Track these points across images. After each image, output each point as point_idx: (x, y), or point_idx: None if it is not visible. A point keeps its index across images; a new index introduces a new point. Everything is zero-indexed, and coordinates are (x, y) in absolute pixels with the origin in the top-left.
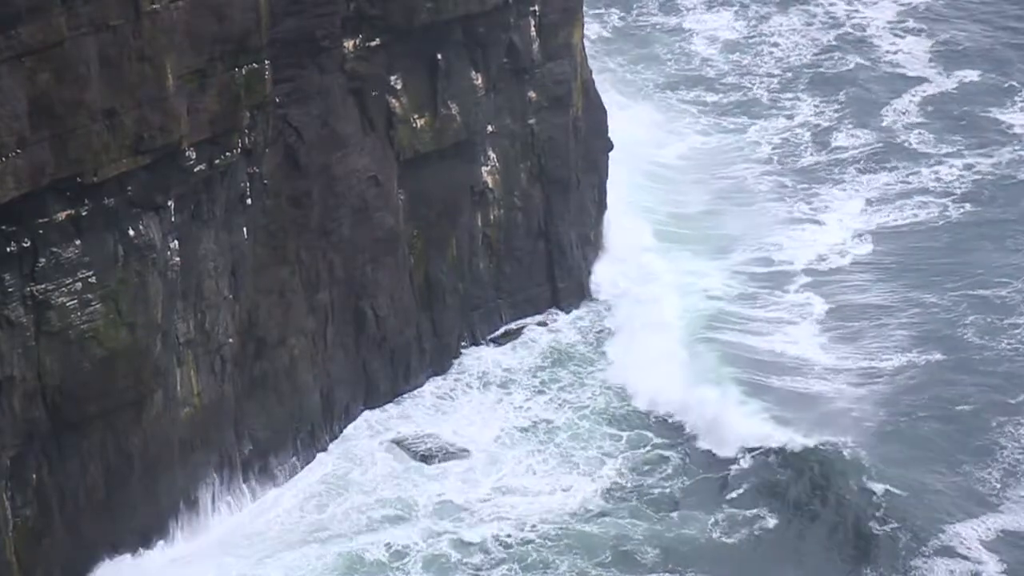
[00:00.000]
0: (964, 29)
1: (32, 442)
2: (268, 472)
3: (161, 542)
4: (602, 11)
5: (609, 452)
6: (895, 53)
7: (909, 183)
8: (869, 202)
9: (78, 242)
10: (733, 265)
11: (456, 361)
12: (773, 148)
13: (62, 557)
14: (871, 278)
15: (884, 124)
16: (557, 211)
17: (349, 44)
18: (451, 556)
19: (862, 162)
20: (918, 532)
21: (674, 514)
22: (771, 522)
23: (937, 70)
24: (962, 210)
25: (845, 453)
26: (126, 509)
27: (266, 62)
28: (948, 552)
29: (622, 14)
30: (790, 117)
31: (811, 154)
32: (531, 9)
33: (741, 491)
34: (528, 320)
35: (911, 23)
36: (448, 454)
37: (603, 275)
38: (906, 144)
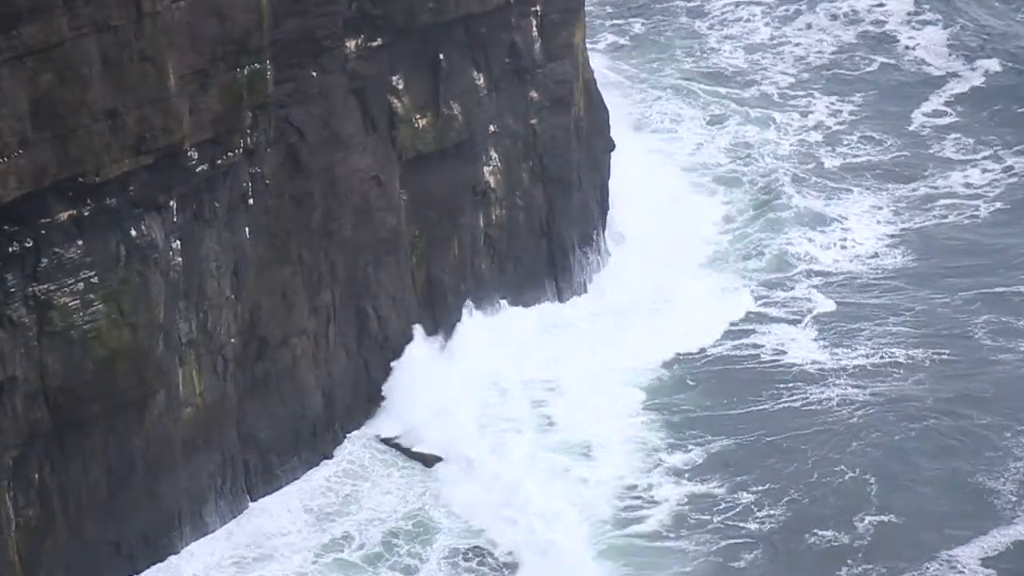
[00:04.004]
0: (976, 15)
1: (34, 442)
2: (271, 473)
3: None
4: (622, 22)
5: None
6: (914, 49)
7: (936, 186)
8: (895, 203)
9: (80, 242)
10: (746, 267)
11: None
12: (793, 148)
13: (65, 557)
14: (888, 280)
15: (910, 123)
16: (559, 211)
17: (351, 44)
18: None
19: (887, 163)
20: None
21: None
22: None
23: (960, 62)
24: (992, 209)
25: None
26: (128, 509)
27: (268, 62)
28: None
29: (645, 21)
30: (807, 115)
31: (834, 154)
32: (533, 9)
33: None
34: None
35: (927, 14)
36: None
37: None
38: (934, 142)
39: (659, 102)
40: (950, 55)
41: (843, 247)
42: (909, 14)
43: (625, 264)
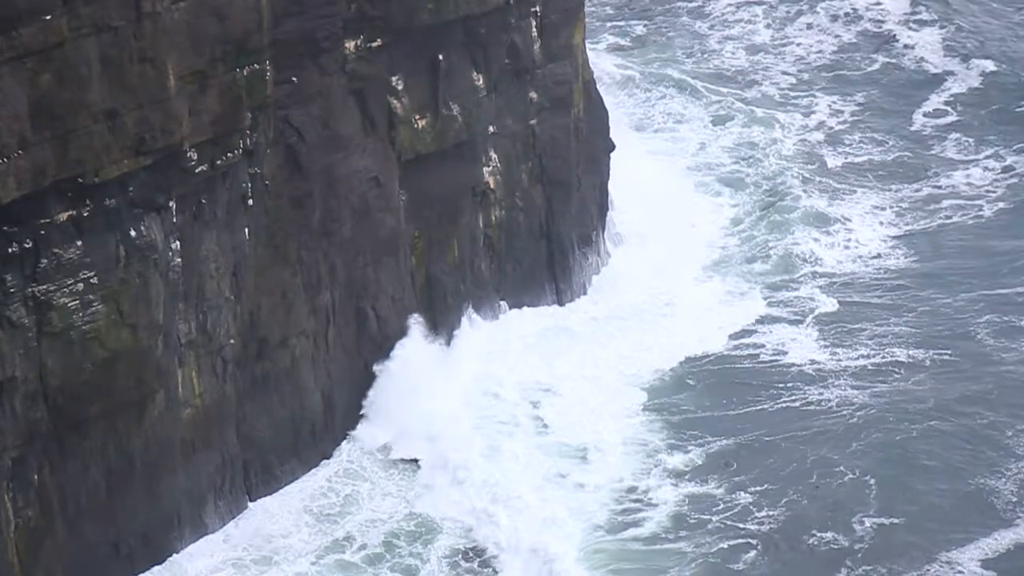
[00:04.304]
0: (973, 14)
1: (34, 443)
2: (270, 474)
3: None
4: (623, 23)
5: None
6: (913, 48)
7: (939, 186)
8: (898, 203)
9: (79, 243)
10: (750, 268)
11: None
12: (796, 148)
13: (64, 558)
14: (891, 280)
15: (912, 123)
16: (558, 212)
17: (350, 45)
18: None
19: (889, 163)
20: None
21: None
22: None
23: (958, 62)
24: (996, 209)
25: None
26: (128, 510)
27: (267, 63)
28: None
29: (648, 23)
30: (810, 115)
31: (837, 154)
32: (532, 10)
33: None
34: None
35: (924, 14)
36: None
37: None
38: (935, 142)
39: (662, 102)
40: (948, 55)
41: (847, 247)
42: (906, 14)
43: (626, 265)
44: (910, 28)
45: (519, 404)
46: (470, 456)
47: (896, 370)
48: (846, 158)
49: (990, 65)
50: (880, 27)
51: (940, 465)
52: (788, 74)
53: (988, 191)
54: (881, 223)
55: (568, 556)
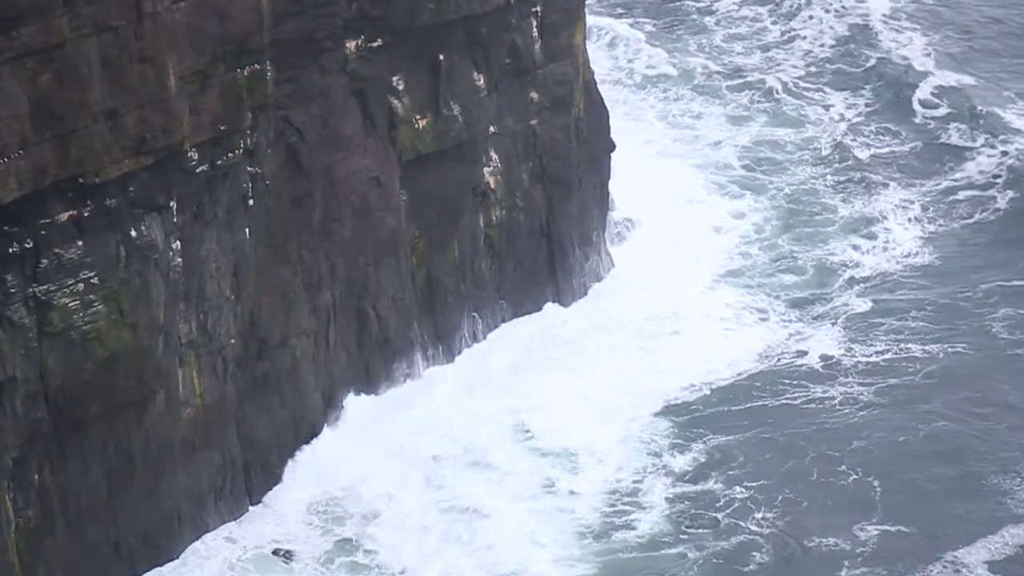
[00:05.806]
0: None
1: (34, 443)
2: (271, 474)
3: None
4: (631, 21)
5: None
6: (906, 45)
7: (956, 178)
8: (922, 197)
9: (80, 243)
10: (768, 263)
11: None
12: (810, 145)
13: (64, 558)
14: (915, 277)
15: (915, 114)
16: (559, 212)
17: (351, 45)
18: None
19: (905, 155)
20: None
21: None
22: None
23: (939, 61)
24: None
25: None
26: (128, 510)
27: (268, 63)
28: None
29: (656, 21)
30: (828, 108)
31: (853, 148)
32: (533, 10)
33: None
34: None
35: (903, 19)
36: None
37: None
38: (940, 133)
39: (679, 102)
40: (935, 46)
41: (885, 249)
42: (886, 14)
43: (629, 268)
44: (897, 22)
45: (516, 412)
46: (468, 460)
47: (909, 365)
48: (866, 149)
49: (970, 55)
50: (867, 19)
51: (946, 463)
52: (797, 68)
53: (995, 177)
54: (910, 219)
55: (571, 558)
